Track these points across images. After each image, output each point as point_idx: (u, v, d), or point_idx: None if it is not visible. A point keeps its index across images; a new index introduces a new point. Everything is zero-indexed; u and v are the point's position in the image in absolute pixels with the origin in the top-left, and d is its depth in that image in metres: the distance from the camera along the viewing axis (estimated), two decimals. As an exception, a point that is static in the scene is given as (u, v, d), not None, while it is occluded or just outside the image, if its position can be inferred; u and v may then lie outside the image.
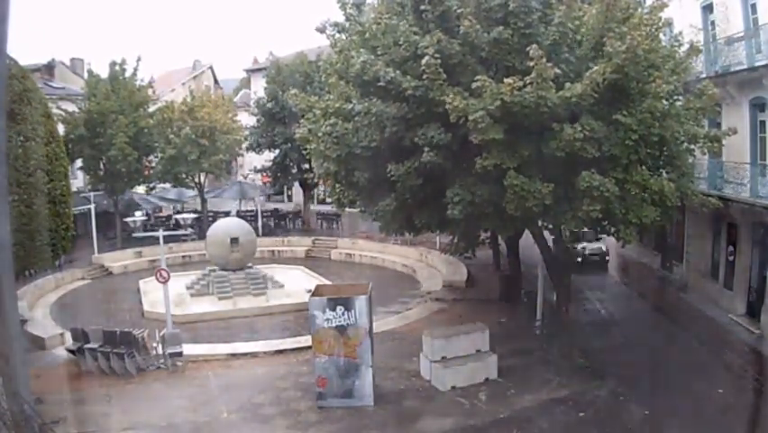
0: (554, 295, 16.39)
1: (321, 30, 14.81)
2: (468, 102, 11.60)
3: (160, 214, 36.02)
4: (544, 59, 11.30)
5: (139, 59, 30.93)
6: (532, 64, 11.37)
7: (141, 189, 34.07)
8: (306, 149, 16.59)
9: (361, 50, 13.57)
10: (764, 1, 15.37)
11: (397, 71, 12.69)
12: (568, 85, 11.62)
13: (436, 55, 11.97)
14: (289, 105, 30.31)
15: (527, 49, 11.50)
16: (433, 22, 12.89)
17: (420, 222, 14.83)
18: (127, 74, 30.79)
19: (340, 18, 15.07)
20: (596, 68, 11.53)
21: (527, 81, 11.40)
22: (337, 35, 14.99)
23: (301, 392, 13.85)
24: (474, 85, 11.73)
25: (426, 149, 12.48)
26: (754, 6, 15.87)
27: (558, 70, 11.63)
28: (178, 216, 25.09)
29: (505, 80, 11.40)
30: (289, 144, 33.03)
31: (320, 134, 14.32)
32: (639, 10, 13.91)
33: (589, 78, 11.43)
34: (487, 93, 11.51)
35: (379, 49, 13.44)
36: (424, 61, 11.98)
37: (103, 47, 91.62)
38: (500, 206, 12.52)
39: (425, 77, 12.14)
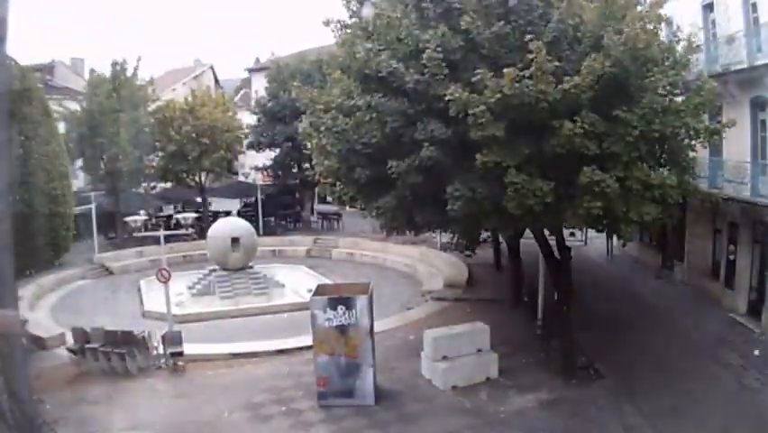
0: (555, 294, 16.35)
1: (326, 23, 14.83)
2: (469, 95, 11.62)
3: (161, 213, 35.99)
4: (544, 52, 11.31)
5: (139, 59, 31.06)
6: (532, 57, 11.38)
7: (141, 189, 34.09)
8: (306, 147, 16.60)
9: (366, 43, 13.59)
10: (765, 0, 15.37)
11: (399, 64, 12.72)
12: (567, 78, 11.62)
13: (438, 49, 12.01)
14: (290, 104, 30.36)
15: (527, 39, 11.51)
16: (434, 18, 12.92)
17: (421, 220, 14.80)
18: (128, 73, 30.79)
19: (343, 16, 15.10)
20: (594, 55, 11.52)
21: (527, 74, 11.40)
22: (341, 30, 14.99)
23: (302, 392, 13.85)
24: (474, 79, 11.76)
25: (426, 144, 12.49)
26: (754, 5, 15.86)
27: (558, 63, 11.62)
28: (178, 216, 25.01)
29: (504, 71, 11.40)
30: (290, 143, 33.00)
31: (321, 129, 14.34)
32: (638, 8, 13.88)
33: (587, 67, 11.43)
34: (487, 87, 11.51)
35: (382, 44, 13.45)
36: (425, 55, 12.00)
37: (103, 47, 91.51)
38: (501, 204, 12.50)
39: (426, 71, 12.17)
